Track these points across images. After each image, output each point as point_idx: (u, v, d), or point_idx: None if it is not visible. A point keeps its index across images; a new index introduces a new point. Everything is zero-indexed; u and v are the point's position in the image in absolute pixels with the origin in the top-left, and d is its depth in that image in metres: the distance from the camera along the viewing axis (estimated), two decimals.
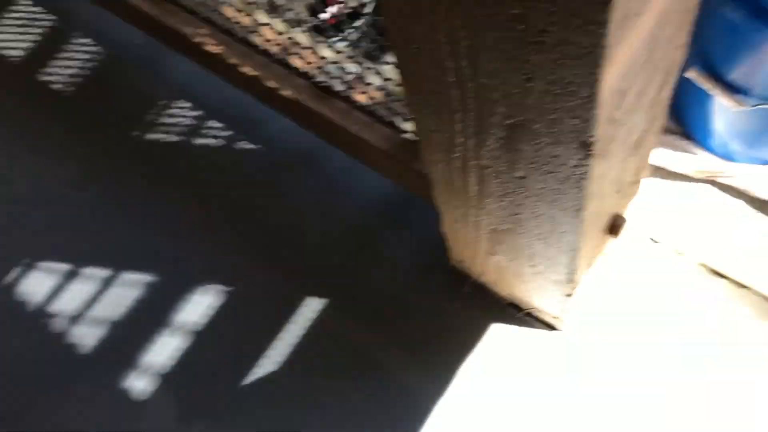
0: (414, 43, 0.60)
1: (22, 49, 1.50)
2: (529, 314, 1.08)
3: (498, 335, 1.08)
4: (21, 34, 1.52)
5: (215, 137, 1.33)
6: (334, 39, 1.17)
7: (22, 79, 1.46)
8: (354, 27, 1.33)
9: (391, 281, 1.16)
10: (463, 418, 1.04)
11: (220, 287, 1.19)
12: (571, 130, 0.56)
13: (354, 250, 1.20)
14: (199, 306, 1.19)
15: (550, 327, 1.07)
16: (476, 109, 0.63)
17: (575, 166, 0.61)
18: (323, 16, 1.23)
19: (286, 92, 1.10)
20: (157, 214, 1.28)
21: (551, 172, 0.64)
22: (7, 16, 1.54)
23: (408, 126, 1.00)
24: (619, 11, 0.44)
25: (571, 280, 0.87)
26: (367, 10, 1.21)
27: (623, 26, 0.47)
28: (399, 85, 0.90)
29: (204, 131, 1.33)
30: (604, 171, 0.66)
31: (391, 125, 1.02)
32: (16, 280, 1.26)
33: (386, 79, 0.99)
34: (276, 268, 1.20)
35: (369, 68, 1.05)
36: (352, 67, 1.04)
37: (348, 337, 1.13)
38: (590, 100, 0.52)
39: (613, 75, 0.51)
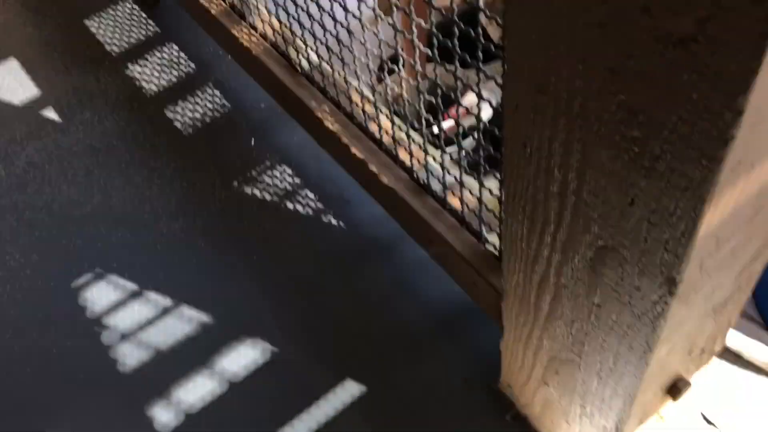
0: (528, 147, 0.63)
1: (159, 85, 1.63)
2: None
3: None
4: (161, 72, 1.65)
5: (306, 206, 1.38)
6: (446, 147, 1.22)
7: (152, 110, 1.58)
8: (467, 138, 1.38)
9: (433, 388, 1.15)
10: None
11: (268, 346, 1.21)
12: (660, 264, 0.57)
13: (405, 347, 1.20)
14: (243, 358, 1.20)
15: None
16: (571, 225, 0.65)
17: (655, 302, 0.61)
18: (435, 130, 1.30)
19: (385, 179, 1.15)
20: (230, 263, 1.32)
21: (629, 304, 0.65)
22: (154, 55, 1.69)
23: (493, 238, 1.03)
24: (735, 154, 0.46)
25: (619, 430, 0.84)
26: (485, 118, 1.27)
27: (736, 171, 0.49)
28: (498, 196, 0.93)
29: (298, 198, 1.39)
30: (681, 319, 0.66)
31: (477, 235, 1.05)
32: (85, 285, 1.31)
33: (485, 188, 1.02)
34: (325, 344, 1.21)
35: (471, 176, 1.09)
36: (455, 172, 1.09)
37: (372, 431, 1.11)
38: (687, 236, 0.53)
39: (714, 218, 0.53)
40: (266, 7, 1.39)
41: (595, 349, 0.76)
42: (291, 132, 1.48)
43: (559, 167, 0.61)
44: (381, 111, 1.17)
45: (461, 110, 1.35)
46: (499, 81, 0.65)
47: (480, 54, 0.76)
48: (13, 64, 1.71)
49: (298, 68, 1.33)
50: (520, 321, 0.89)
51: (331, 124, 1.25)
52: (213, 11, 1.47)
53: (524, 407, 1.07)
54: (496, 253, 1.02)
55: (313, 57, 1.29)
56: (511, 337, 0.95)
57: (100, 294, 1.30)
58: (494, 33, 1.56)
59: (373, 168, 1.18)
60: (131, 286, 1.30)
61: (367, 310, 1.24)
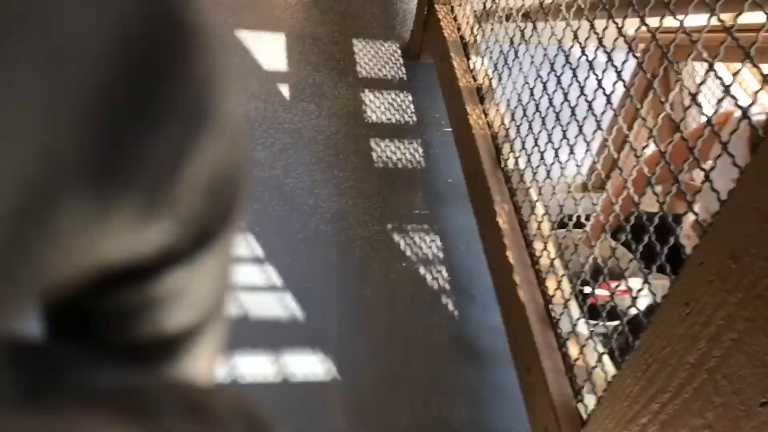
0: (689, 307, 0.63)
1: (378, 116, 1.75)
2: None
3: None
4: (388, 107, 1.78)
5: (434, 279, 1.42)
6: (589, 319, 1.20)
7: (362, 132, 1.70)
8: (610, 321, 1.36)
9: None
10: None
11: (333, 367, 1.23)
12: None
13: None
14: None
15: None
16: (686, 402, 0.63)
17: None
18: (587, 290, 1.29)
19: (521, 293, 1.16)
20: (349, 312, 1.37)
21: None
22: (391, 92, 1.83)
23: (587, 401, 1.00)
24: None
25: None
26: (641, 306, 1.25)
27: None
28: (609, 378, 0.91)
29: (431, 269, 1.43)
30: None
31: (575, 390, 1.03)
32: None
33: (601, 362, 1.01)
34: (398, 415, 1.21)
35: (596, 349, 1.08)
36: (584, 330, 1.08)
37: None
38: None
39: None
40: (498, 105, 1.48)
41: None
42: (459, 213, 1.54)
43: (709, 339, 0.60)
44: (549, 240, 1.20)
45: (621, 287, 1.35)
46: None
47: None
48: (279, 37, 1.92)
49: (502, 163, 1.39)
50: None
51: (502, 221, 1.29)
52: (461, 83, 1.58)
53: None
54: (584, 415, 0.99)
55: (520, 163, 1.35)
56: None
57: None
58: (687, 243, 1.55)
59: (517, 278, 1.19)
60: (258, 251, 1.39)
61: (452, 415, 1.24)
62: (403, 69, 1.92)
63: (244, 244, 1.39)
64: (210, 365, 0.32)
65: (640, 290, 0.87)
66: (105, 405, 0.23)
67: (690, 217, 1.48)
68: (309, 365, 1.23)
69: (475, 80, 1.59)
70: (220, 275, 0.27)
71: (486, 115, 1.50)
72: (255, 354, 1.22)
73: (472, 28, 1.69)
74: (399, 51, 1.98)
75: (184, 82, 0.21)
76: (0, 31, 0.17)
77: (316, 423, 1.16)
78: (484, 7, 1.62)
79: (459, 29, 1.74)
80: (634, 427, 0.72)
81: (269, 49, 1.87)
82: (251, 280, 1.33)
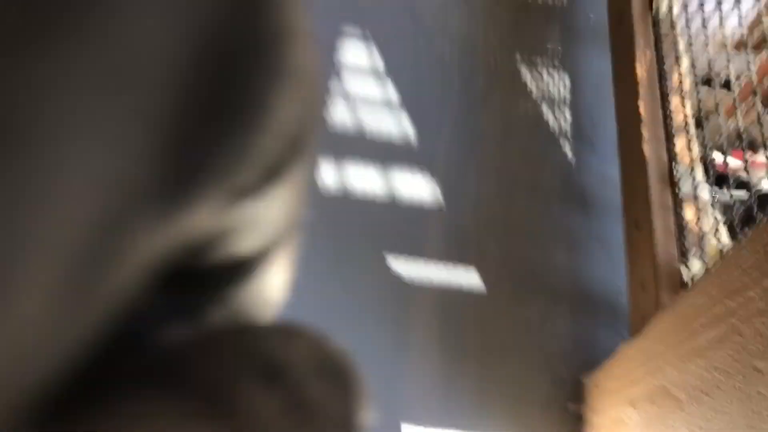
0: None
1: None
2: None
3: None
4: None
5: (563, 137, 1.37)
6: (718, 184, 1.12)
7: None
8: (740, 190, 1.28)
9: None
10: None
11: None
12: None
13: None
14: None
15: None
16: None
17: None
18: (718, 156, 1.20)
19: (646, 149, 1.10)
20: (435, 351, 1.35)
21: None
22: None
23: (695, 265, 0.97)
24: None
25: None
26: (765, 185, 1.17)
27: None
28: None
29: None
30: None
31: (683, 253, 1.00)
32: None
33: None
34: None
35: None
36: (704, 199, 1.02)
37: None
38: None
39: None
40: None
41: (713, 398, 0.72)
42: (596, 55, 1.44)
43: None
44: (688, 96, 1.11)
45: (759, 159, 1.25)
46: None
47: None
48: None
49: (654, 6, 1.27)
50: (668, 336, 0.85)
51: (641, 68, 1.20)
52: None
53: (592, 410, 1.04)
54: (686, 279, 0.97)
55: (674, 8, 1.22)
56: (642, 344, 0.91)
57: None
58: None
59: (644, 131, 1.14)
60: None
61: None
62: None
63: (366, 55, 1.37)
64: (281, 283, 0.34)
65: None
66: (185, 384, 0.25)
67: None
68: (415, 187, 1.25)
69: None
70: (290, 204, 0.29)
71: None
72: (365, 167, 1.25)
73: None
74: None
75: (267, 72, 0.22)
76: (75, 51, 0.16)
77: (415, 246, 1.19)
78: None
79: None
80: (739, 299, 0.69)
81: None
82: (369, 92, 1.33)
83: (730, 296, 0.70)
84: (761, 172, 1.23)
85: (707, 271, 0.83)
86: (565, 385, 1.10)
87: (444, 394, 1.07)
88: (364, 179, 1.24)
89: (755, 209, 0.90)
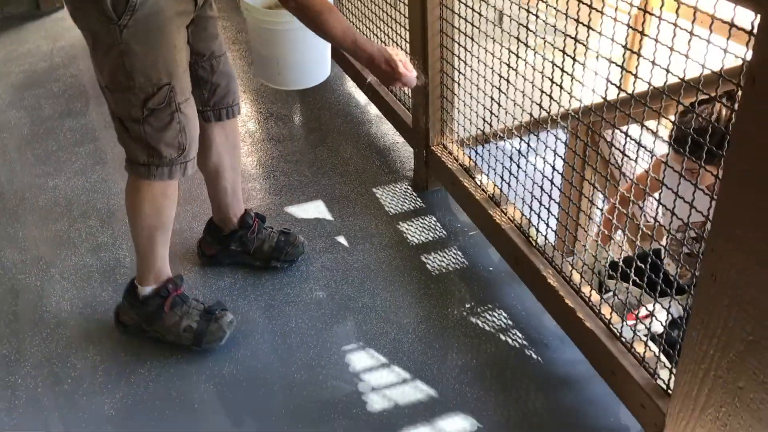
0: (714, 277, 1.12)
1: (418, 239, 2.26)
2: None
3: None
4: (421, 231, 2.29)
5: (514, 341, 1.88)
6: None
7: (411, 253, 2.19)
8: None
9: None
10: None
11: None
12: None
13: None
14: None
15: None
16: (731, 329, 1.11)
17: None
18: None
19: (589, 324, 1.64)
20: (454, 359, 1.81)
21: (763, 383, 1.08)
22: (418, 220, 2.35)
23: (663, 374, 1.46)
24: None
25: None
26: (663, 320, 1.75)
27: None
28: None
29: (509, 334, 1.90)
30: None
31: (650, 372, 1.49)
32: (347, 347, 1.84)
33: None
34: None
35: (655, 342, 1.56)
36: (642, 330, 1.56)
37: None
38: None
39: None
40: (514, 203, 2.01)
41: (735, 428, 1.16)
42: (509, 290, 2.03)
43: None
44: (590, 283, 1.69)
45: (643, 313, 1.85)
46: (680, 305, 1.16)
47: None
48: (320, 204, 2.44)
49: (534, 243, 1.90)
50: (680, 419, 1.30)
51: (553, 281, 1.78)
52: (477, 197, 2.12)
53: None
54: (663, 386, 1.45)
55: (541, 240, 1.86)
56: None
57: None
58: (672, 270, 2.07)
59: (580, 315, 1.67)
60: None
61: (553, 418, 1.67)
62: (419, 200, 2.45)
63: None
64: None
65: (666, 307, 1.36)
66: None
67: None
68: None
69: (486, 192, 2.12)
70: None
71: (505, 213, 2.02)
72: None
73: (468, 157, 2.25)
74: (410, 187, 2.52)
75: None
76: None
77: None
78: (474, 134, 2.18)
79: (457, 159, 2.29)
80: (707, 359, 1.18)
81: (316, 217, 2.38)
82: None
83: (701, 361, 1.19)
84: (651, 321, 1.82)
85: (679, 355, 1.32)
86: None
87: None
88: None
89: (673, 332, 1.44)
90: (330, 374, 1.80)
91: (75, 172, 2.69)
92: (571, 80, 1.62)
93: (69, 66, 3.56)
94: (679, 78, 1.28)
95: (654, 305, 1.52)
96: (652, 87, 1.39)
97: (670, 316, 1.75)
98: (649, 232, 1.49)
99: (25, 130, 3.01)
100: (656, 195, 2.08)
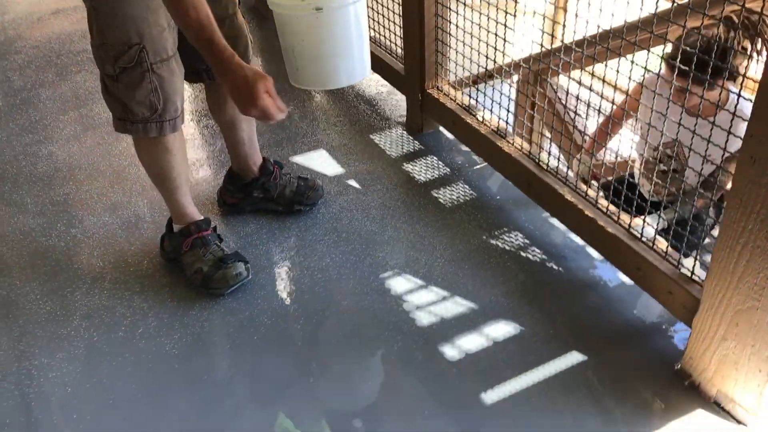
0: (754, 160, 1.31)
1: (425, 178, 2.40)
2: (726, 410, 1.58)
3: (693, 421, 1.57)
4: (425, 172, 2.43)
5: (534, 256, 2.05)
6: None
7: (420, 191, 2.33)
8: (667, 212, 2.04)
9: (631, 368, 1.72)
10: None
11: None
12: None
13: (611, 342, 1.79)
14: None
15: (740, 422, 1.55)
16: (767, 208, 1.31)
17: None
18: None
19: (610, 229, 1.83)
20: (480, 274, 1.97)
21: None
22: (420, 162, 2.48)
23: (687, 263, 1.67)
24: None
25: None
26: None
27: None
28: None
29: (528, 251, 2.07)
30: None
31: (673, 264, 1.70)
32: (391, 276, 1.97)
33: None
34: (561, 331, 1.81)
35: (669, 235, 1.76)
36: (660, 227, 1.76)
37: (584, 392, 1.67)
38: None
39: None
40: (521, 133, 2.18)
41: None
42: (519, 214, 2.20)
43: None
44: (601, 196, 1.88)
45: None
46: None
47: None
48: (323, 153, 2.54)
49: (545, 166, 2.07)
50: (717, 292, 1.50)
51: (570, 197, 1.96)
52: (483, 131, 2.27)
53: (700, 374, 1.63)
54: (688, 273, 1.66)
55: (553, 162, 2.04)
56: (704, 308, 1.55)
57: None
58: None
59: (602, 223, 1.86)
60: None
61: (582, 315, 1.86)
62: (416, 142, 2.59)
63: None
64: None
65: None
66: None
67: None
68: None
69: (489, 126, 2.28)
70: None
71: (512, 143, 2.19)
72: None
73: (469, 96, 2.40)
74: (405, 132, 2.65)
75: None
76: None
77: None
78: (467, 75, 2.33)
79: (454, 100, 2.44)
80: (745, 233, 1.38)
81: (321, 163, 2.48)
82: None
83: (740, 236, 1.39)
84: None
85: (720, 234, 1.52)
86: (674, 374, 1.67)
87: None
88: None
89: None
90: (374, 299, 1.93)
91: (67, 138, 2.67)
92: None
93: (26, 38, 3.47)
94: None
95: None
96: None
97: (659, 225, 1.99)
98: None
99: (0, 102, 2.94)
100: (638, 116, 2.31)
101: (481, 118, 2.32)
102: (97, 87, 3.02)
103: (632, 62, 1.72)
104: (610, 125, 2.36)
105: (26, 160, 2.55)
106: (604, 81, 2.15)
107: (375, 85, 2.94)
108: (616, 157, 2.59)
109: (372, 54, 2.81)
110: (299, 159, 2.53)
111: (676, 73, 1.76)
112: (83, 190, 2.39)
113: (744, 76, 1.53)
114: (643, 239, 1.79)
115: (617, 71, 1.78)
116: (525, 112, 2.35)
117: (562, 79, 2.99)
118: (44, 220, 2.26)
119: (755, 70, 2.07)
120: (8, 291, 1.99)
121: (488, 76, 2.33)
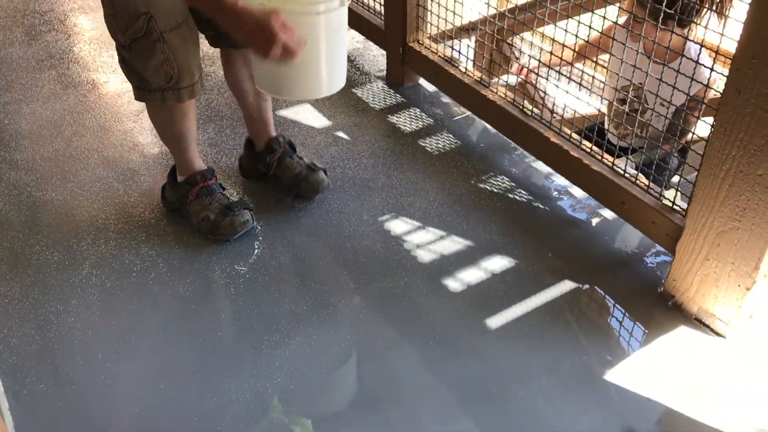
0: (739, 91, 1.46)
1: (410, 128, 2.49)
2: (706, 325, 1.75)
3: (676, 336, 1.74)
4: (410, 122, 2.53)
5: (521, 197, 2.19)
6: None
7: (407, 141, 2.43)
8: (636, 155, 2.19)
9: (618, 297, 1.87)
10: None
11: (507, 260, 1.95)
12: None
13: (600, 268, 1.94)
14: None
15: (719, 334, 1.73)
16: (754, 128, 1.46)
17: None
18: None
19: (596, 167, 1.97)
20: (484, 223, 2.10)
21: None
22: (403, 113, 2.57)
23: (668, 194, 1.82)
24: None
25: (756, 268, 1.58)
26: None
27: None
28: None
29: (516, 192, 2.20)
30: None
31: (655, 196, 1.85)
32: (386, 220, 2.07)
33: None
34: (555, 263, 1.95)
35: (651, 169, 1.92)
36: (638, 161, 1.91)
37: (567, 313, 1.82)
38: None
39: None
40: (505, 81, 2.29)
41: (752, 209, 1.53)
42: (504, 159, 2.33)
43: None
44: (585, 135, 2.02)
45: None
46: None
47: None
48: (308, 107, 2.60)
49: (529, 112, 2.20)
50: (700, 216, 1.66)
51: (555, 140, 2.09)
52: (466, 81, 2.38)
53: (682, 294, 1.79)
54: (669, 203, 1.81)
55: (536, 110, 2.16)
56: (687, 232, 1.71)
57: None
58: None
59: (587, 162, 2.00)
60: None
61: (570, 249, 2.00)
62: (398, 95, 2.68)
63: None
64: None
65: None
66: None
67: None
68: None
69: (472, 76, 2.38)
70: None
71: (496, 92, 2.30)
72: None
73: (451, 48, 2.50)
74: (386, 85, 2.73)
75: None
76: None
77: None
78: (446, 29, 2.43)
79: (436, 52, 2.53)
80: (729, 160, 1.53)
81: (309, 117, 2.54)
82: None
83: (723, 162, 1.54)
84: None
85: (702, 160, 1.68)
86: (659, 296, 1.83)
87: None
88: None
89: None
90: (376, 239, 2.03)
91: (47, 96, 2.65)
92: None
93: None
94: None
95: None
96: None
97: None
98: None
99: None
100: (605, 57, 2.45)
101: (464, 69, 2.43)
102: (71, 46, 3.01)
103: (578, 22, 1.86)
104: (587, 50, 2.46)
105: (9, 119, 2.53)
106: (554, 41, 2.27)
107: (350, 41, 3.00)
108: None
109: (350, 10, 2.88)
110: (284, 113, 2.59)
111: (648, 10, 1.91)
112: (73, 146, 2.40)
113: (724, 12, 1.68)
114: (626, 175, 1.94)
115: (565, 31, 1.94)
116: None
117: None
118: (38, 176, 2.26)
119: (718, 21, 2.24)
120: (12, 243, 2.00)
121: (466, 30, 2.43)
